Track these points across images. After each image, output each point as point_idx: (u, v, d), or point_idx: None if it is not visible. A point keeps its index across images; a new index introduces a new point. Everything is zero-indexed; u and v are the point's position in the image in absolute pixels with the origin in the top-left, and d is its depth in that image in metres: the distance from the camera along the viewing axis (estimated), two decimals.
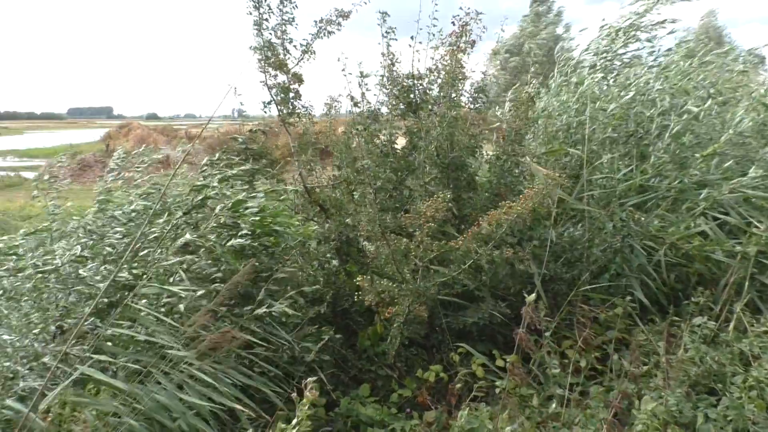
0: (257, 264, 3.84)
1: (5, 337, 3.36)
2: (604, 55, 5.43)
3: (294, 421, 2.51)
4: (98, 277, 3.58)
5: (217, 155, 4.32)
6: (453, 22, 4.60)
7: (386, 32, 4.65)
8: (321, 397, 3.62)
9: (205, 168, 4.16)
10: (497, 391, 3.44)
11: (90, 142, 43.34)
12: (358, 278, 3.77)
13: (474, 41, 4.60)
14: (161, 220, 3.90)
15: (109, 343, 3.13)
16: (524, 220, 3.62)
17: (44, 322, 3.61)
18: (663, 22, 5.46)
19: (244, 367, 3.25)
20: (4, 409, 2.78)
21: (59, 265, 3.71)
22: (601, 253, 4.32)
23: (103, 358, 2.88)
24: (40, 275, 3.67)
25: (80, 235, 4.01)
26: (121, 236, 3.89)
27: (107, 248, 3.85)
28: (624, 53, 5.45)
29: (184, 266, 3.38)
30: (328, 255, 4.69)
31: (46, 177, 4.33)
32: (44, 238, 4.27)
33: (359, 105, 4.83)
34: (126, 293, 3.24)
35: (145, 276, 3.39)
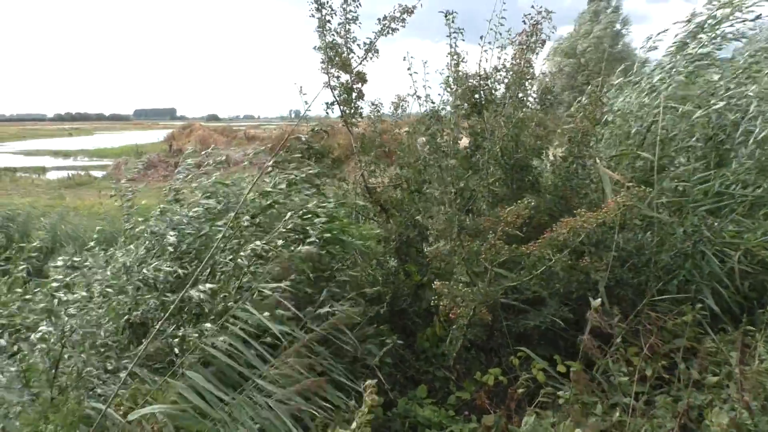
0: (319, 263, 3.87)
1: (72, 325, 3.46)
2: (687, 55, 5.15)
3: (353, 425, 2.51)
4: (161, 274, 3.70)
5: (281, 154, 4.37)
6: (524, 21, 4.53)
7: (453, 33, 4.60)
8: (379, 396, 3.62)
9: (270, 169, 4.21)
10: (560, 399, 3.35)
11: (154, 143, 45.06)
12: (435, 283, 3.73)
13: (544, 40, 4.54)
14: (221, 222, 3.99)
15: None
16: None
17: (112, 316, 3.75)
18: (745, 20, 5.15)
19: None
20: (88, 409, 2.86)
21: (127, 263, 3.85)
22: (670, 259, 4.16)
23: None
24: (111, 273, 3.81)
25: (146, 236, 4.15)
26: (183, 236, 4.00)
27: (169, 248, 3.95)
28: (708, 53, 5.14)
29: (274, 292, 3.38)
30: (386, 255, 4.69)
31: (123, 180, 4.50)
32: (115, 236, 4.44)
33: (423, 104, 4.78)
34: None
35: (222, 293, 3.44)
